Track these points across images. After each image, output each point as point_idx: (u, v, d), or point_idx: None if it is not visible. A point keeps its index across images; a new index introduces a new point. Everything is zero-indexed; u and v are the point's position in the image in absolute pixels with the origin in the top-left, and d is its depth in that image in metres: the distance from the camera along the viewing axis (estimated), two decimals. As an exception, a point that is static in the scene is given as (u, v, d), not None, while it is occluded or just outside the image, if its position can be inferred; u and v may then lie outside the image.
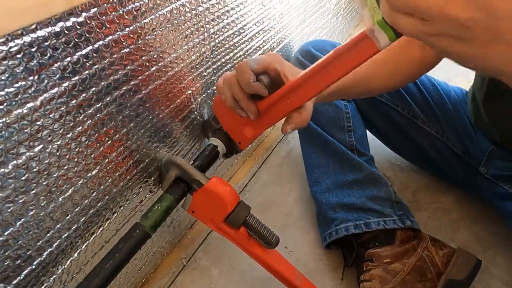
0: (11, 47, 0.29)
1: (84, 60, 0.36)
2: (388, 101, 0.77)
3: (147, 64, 0.45)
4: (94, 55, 0.37)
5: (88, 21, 0.35)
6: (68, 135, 0.38)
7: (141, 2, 0.40)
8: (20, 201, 0.36)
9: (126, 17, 0.39)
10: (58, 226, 0.42)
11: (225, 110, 0.56)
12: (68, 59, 0.35)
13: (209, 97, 0.64)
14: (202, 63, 0.57)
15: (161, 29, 0.45)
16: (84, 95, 0.38)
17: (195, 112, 0.61)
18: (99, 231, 0.49)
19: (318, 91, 0.47)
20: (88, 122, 0.40)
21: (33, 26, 0.30)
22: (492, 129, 0.65)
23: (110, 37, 0.38)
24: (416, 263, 0.61)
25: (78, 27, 0.34)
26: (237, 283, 0.68)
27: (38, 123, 0.34)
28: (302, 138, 0.82)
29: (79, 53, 0.35)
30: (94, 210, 0.46)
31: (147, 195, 0.57)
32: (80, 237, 0.46)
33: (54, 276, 0.44)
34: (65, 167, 0.39)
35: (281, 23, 0.79)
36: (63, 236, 0.43)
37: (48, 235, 0.41)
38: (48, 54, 0.32)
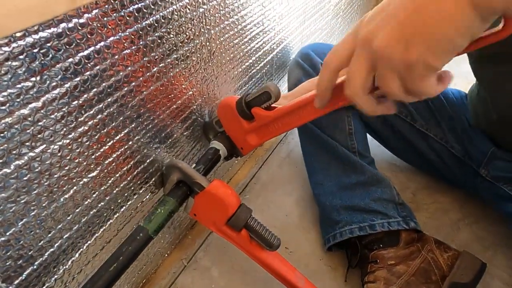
0: (14, 48, 0.29)
1: (86, 61, 0.37)
2: None
3: (148, 65, 0.46)
4: (96, 56, 0.37)
5: (90, 22, 0.35)
6: (70, 136, 0.38)
7: (143, 4, 0.41)
8: (22, 201, 0.36)
9: (128, 18, 0.39)
10: (60, 226, 0.42)
11: (230, 115, 0.56)
12: (70, 60, 0.35)
13: (210, 99, 0.64)
14: (202, 64, 0.57)
15: (161, 31, 0.45)
16: (85, 96, 0.38)
17: (196, 113, 0.62)
18: (100, 232, 0.49)
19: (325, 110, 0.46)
20: (90, 123, 0.40)
21: (36, 27, 0.30)
22: (491, 120, 0.65)
23: (111, 38, 0.38)
24: (421, 265, 0.61)
25: (80, 28, 0.34)
26: (237, 284, 0.68)
27: (40, 123, 0.34)
28: (303, 140, 0.82)
29: (81, 54, 0.36)
30: (95, 211, 0.46)
31: (148, 196, 0.57)
32: (81, 237, 0.46)
33: (56, 277, 0.44)
34: (67, 168, 0.39)
35: (281, 24, 0.79)
36: (64, 237, 0.43)
37: (50, 235, 0.41)
38: (50, 55, 0.33)
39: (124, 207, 0.52)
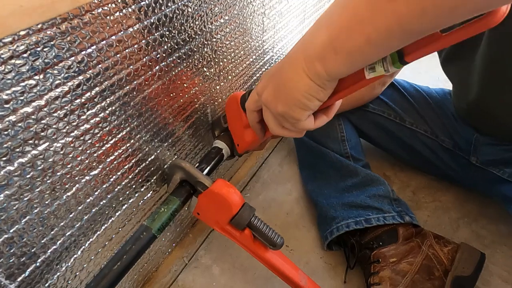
0: (17, 47, 0.30)
1: (89, 59, 0.37)
2: (374, 109, 0.82)
3: (150, 63, 0.46)
4: (98, 54, 0.38)
5: (93, 21, 0.35)
6: (72, 134, 0.38)
7: (145, 3, 0.41)
8: (25, 198, 0.36)
9: (130, 17, 0.40)
10: (62, 224, 0.42)
11: (234, 109, 0.57)
12: (73, 58, 0.35)
13: (213, 97, 0.64)
14: (204, 63, 0.57)
15: (164, 29, 0.45)
16: (88, 94, 0.38)
17: (198, 112, 0.62)
18: (102, 229, 0.49)
19: None
20: (92, 121, 0.40)
21: (39, 26, 0.31)
22: (464, 107, 0.69)
23: (114, 37, 0.39)
24: (423, 262, 0.62)
25: (82, 26, 0.35)
26: (238, 282, 0.68)
27: (43, 121, 0.35)
28: (299, 151, 0.87)
29: (84, 52, 0.36)
30: (97, 209, 0.47)
31: (150, 194, 0.57)
32: (83, 235, 0.46)
33: (58, 274, 0.44)
34: (69, 166, 0.40)
35: (280, 23, 0.80)
36: (66, 234, 0.43)
37: (52, 232, 0.41)
38: (54, 54, 0.33)
39: (125, 205, 0.52)
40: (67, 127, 0.37)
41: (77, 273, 0.48)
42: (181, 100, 0.56)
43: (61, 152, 0.38)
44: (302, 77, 0.37)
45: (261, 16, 0.70)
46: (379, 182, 0.72)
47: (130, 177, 0.51)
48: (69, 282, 0.47)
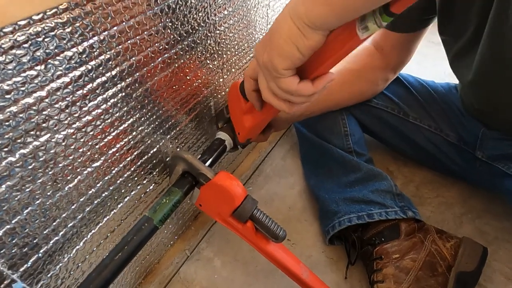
0: (18, 37, 0.29)
1: (90, 50, 0.36)
2: (377, 104, 0.81)
3: (153, 55, 0.45)
4: (100, 45, 0.37)
5: (94, 11, 0.35)
6: (74, 125, 0.38)
7: (147, -7, 0.40)
8: (27, 190, 0.36)
9: (132, 8, 0.39)
10: (64, 215, 0.42)
11: (234, 96, 0.56)
12: (75, 49, 0.35)
13: (216, 90, 0.64)
14: (208, 55, 0.57)
15: (166, 20, 0.45)
16: (90, 85, 0.38)
17: (201, 104, 0.62)
18: (104, 221, 0.49)
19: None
20: (94, 112, 0.40)
21: (40, 16, 0.30)
22: (475, 103, 0.68)
23: (115, 28, 0.38)
24: (426, 258, 0.62)
25: (84, 17, 0.34)
26: (240, 274, 0.69)
27: (45, 112, 0.34)
28: (301, 146, 0.87)
29: (85, 43, 0.36)
30: (99, 200, 0.47)
31: (152, 187, 0.57)
32: (85, 226, 0.46)
33: (60, 265, 0.45)
34: (71, 157, 0.40)
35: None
36: (68, 225, 0.43)
37: (54, 223, 0.41)
38: (55, 44, 0.33)
39: (127, 197, 0.52)
40: (69, 118, 0.37)
41: (79, 264, 0.48)
42: (184, 93, 0.55)
43: (63, 144, 0.38)
44: (286, 20, 0.36)
45: (265, 8, 0.69)
46: (382, 177, 0.72)
47: (132, 169, 0.51)
48: (72, 272, 0.47)
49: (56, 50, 0.33)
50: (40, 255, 0.41)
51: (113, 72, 0.41)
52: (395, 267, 0.61)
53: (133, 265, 0.61)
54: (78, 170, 0.41)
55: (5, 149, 0.32)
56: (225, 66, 0.64)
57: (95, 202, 0.46)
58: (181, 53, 0.50)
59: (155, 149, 0.54)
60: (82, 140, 0.40)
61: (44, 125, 0.35)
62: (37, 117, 0.34)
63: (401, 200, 0.69)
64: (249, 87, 0.50)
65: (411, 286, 0.58)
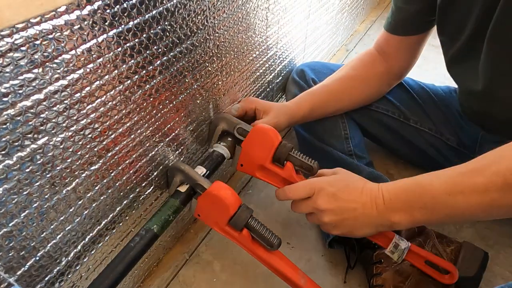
0: (16, 40, 0.29)
1: (88, 53, 0.36)
2: (378, 108, 0.82)
3: (151, 58, 0.45)
4: (98, 48, 0.37)
5: (92, 14, 0.35)
6: (72, 128, 0.38)
7: (145, -4, 0.40)
8: (25, 192, 0.36)
9: (130, 11, 0.39)
10: (62, 218, 0.42)
11: (262, 145, 0.59)
12: (72, 52, 0.35)
13: (215, 93, 0.64)
14: (207, 58, 0.57)
15: (165, 23, 0.45)
16: (87, 88, 0.38)
17: (200, 108, 0.61)
18: (102, 225, 0.49)
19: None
20: (92, 115, 0.40)
21: (38, 19, 0.30)
22: (472, 107, 0.69)
23: (114, 31, 0.38)
24: None
25: (82, 20, 0.34)
26: (239, 278, 0.68)
27: (43, 115, 0.34)
28: (301, 149, 0.86)
29: (83, 46, 0.36)
30: (97, 203, 0.47)
31: (150, 190, 0.57)
32: (83, 230, 0.46)
33: (58, 268, 0.44)
34: (69, 160, 0.39)
35: (285, 18, 0.79)
36: (66, 229, 0.43)
37: (52, 227, 0.41)
38: (53, 47, 0.33)
39: (125, 201, 0.52)
40: (67, 121, 0.37)
41: (77, 268, 0.48)
42: (183, 95, 0.55)
43: (61, 147, 0.38)
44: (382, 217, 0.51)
45: (264, 11, 0.69)
46: (382, 180, 0.72)
47: (130, 172, 0.51)
48: (69, 276, 0.47)
49: (54, 53, 0.33)
50: (37, 258, 0.41)
51: (111, 75, 0.40)
52: (394, 271, 0.60)
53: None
54: (76, 173, 0.41)
55: (3, 152, 0.32)
56: (224, 69, 0.64)
57: (93, 205, 0.46)
58: (180, 55, 0.50)
59: (153, 153, 0.54)
60: (80, 143, 0.40)
61: (41, 128, 0.35)
62: (34, 120, 0.34)
63: None
64: (303, 210, 0.55)
65: None
